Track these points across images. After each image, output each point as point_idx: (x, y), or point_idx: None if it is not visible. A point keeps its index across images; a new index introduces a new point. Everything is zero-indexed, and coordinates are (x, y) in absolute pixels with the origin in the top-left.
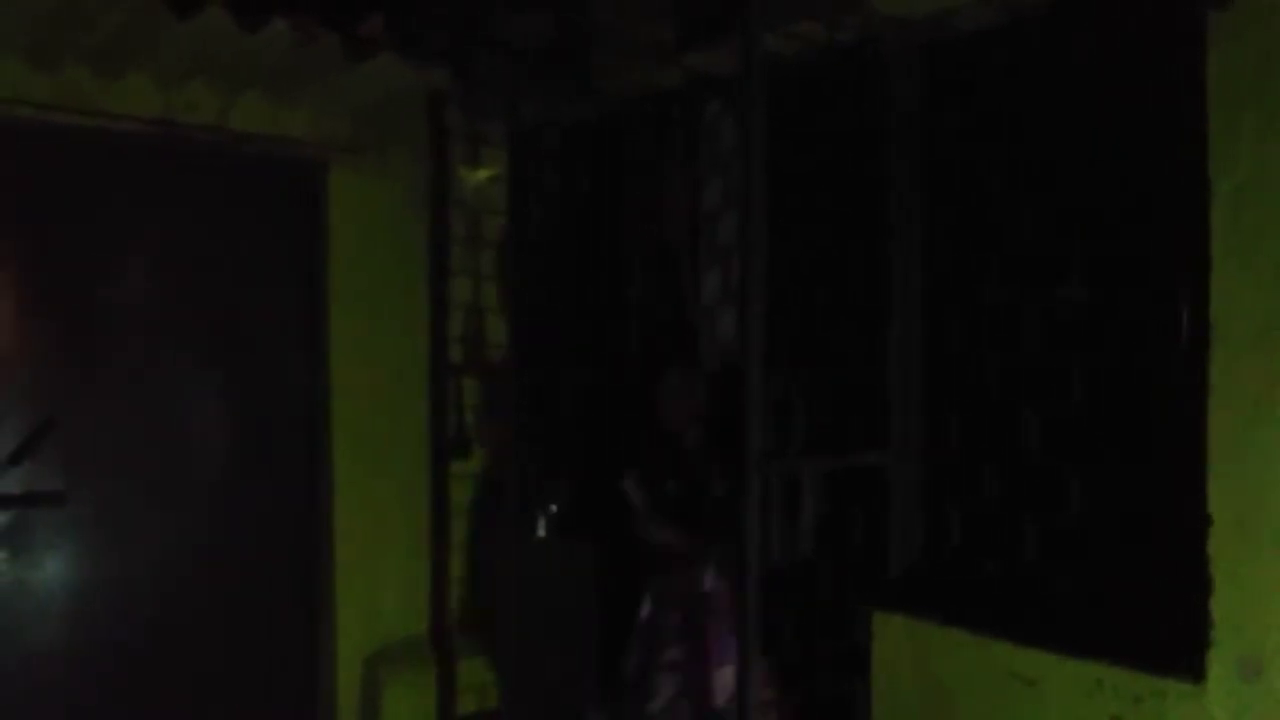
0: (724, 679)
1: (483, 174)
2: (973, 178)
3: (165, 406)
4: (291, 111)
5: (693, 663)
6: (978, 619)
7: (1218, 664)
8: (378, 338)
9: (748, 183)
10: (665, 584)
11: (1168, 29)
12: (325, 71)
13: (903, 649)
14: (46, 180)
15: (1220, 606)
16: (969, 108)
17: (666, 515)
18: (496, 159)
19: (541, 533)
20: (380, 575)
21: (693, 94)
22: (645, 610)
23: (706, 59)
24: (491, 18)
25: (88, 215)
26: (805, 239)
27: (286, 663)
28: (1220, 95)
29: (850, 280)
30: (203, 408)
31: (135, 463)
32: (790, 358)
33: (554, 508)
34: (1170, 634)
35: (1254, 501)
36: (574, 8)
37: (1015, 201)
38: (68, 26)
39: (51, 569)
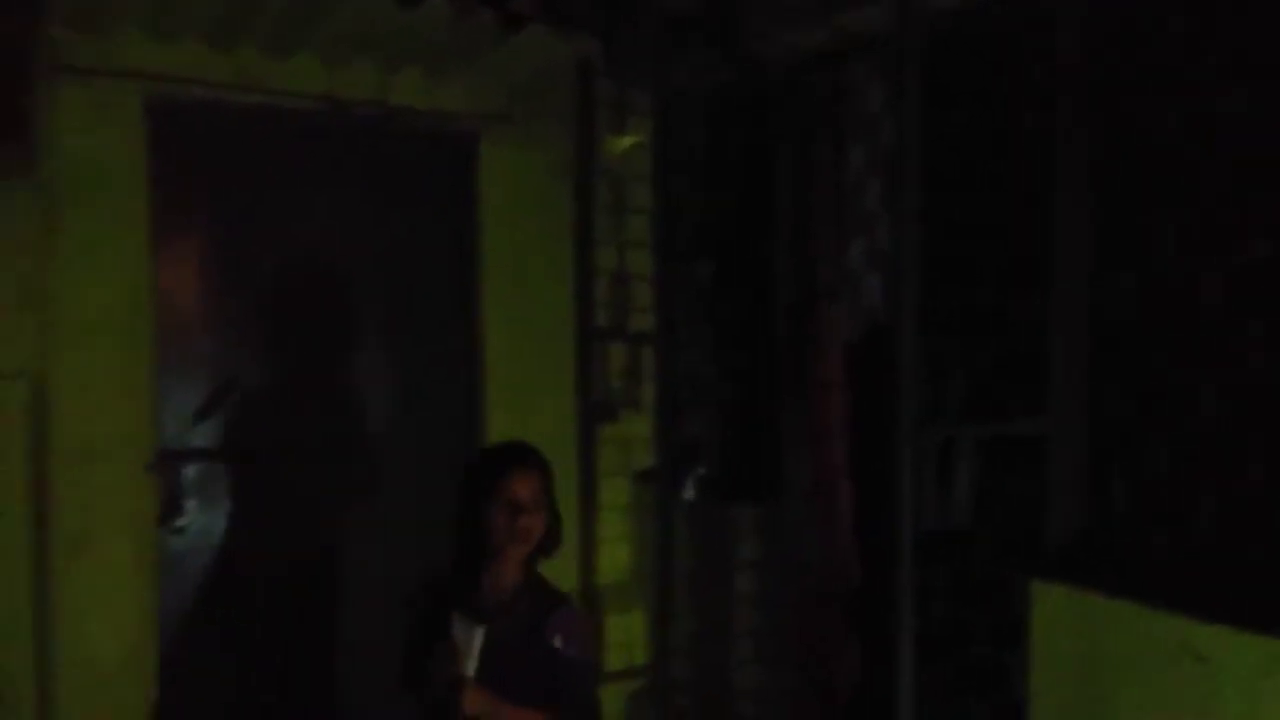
0: None
1: (628, 142)
2: (1144, 134)
3: (333, 368)
4: (446, 85)
5: None
6: (1146, 591)
7: None
8: (527, 303)
9: (902, 143)
10: None
11: None
12: (479, 45)
13: (1063, 620)
14: (226, 156)
15: None
16: (1140, 62)
17: (489, 678)
18: (643, 127)
19: (691, 495)
20: None
21: (839, 56)
22: None
23: (856, 19)
24: None
25: (263, 189)
26: (961, 201)
27: None
28: None
29: (1010, 242)
30: (366, 369)
31: (307, 420)
32: (947, 322)
33: (702, 470)
34: None
35: None
36: None
37: (1190, 159)
38: (243, 8)
39: (234, 517)
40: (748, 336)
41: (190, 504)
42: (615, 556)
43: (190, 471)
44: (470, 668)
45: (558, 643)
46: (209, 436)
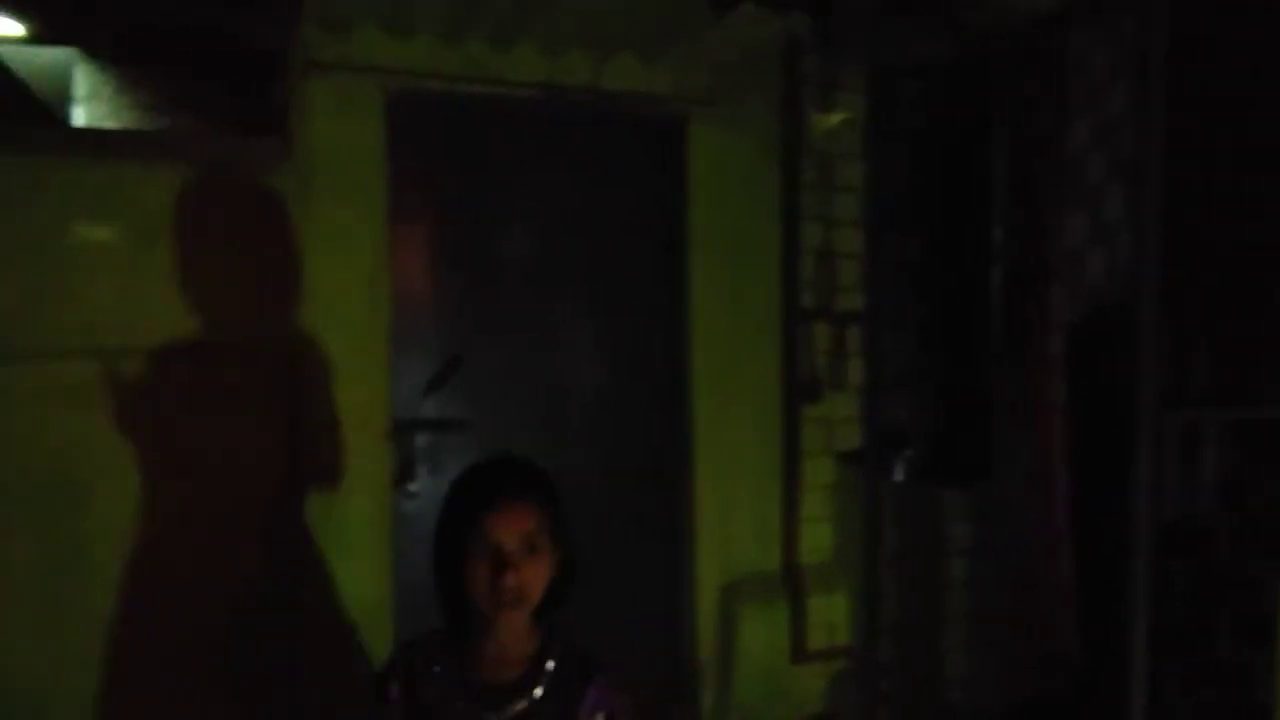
0: None
1: (836, 119)
2: None
3: (547, 347)
4: (655, 70)
5: None
6: None
7: None
8: (733, 284)
9: (1144, 108)
10: None
11: None
12: (690, 27)
13: None
14: (452, 145)
15: None
16: None
17: None
18: (850, 103)
19: (899, 476)
20: (735, 511)
21: (1062, 22)
22: None
23: None
24: None
25: (484, 176)
26: (1202, 172)
27: (652, 585)
28: None
29: (1264, 216)
30: (578, 348)
31: (523, 396)
32: (1188, 301)
33: (910, 452)
34: None
35: None
36: None
37: None
38: (472, 3)
39: None
40: (960, 315)
41: (421, 470)
42: (818, 537)
43: (421, 440)
44: None
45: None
46: (437, 409)
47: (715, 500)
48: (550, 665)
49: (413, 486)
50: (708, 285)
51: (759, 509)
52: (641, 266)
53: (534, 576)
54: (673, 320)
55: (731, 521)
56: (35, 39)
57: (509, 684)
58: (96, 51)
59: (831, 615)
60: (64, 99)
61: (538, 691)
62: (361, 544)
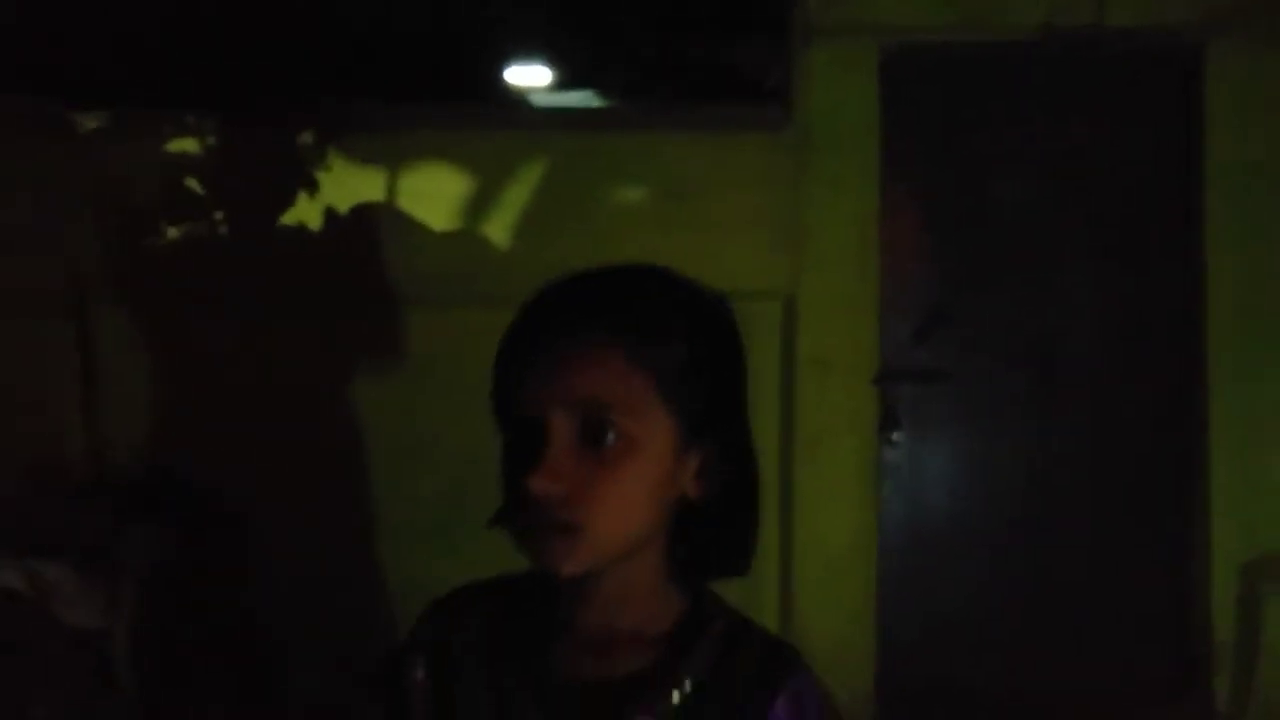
0: None
1: None
2: None
3: (1038, 299)
4: None
5: None
6: None
7: None
8: (1262, 225)
9: None
10: None
11: None
12: None
13: None
14: (942, 97)
15: None
16: None
17: None
18: None
19: None
20: (1260, 481)
21: None
22: None
23: None
24: None
25: (974, 126)
26: None
27: (1156, 561)
28: None
29: None
30: (1072, 300)
31: (1011, 350)
32: None
33: None
34: None
35: None
36: None
37: None
38: None
39: (941, 440)
40: None
41: (905, 420)
42: None
43: (905, 390)
44: None
45: None
46: (920, 360)
47: (1235, 468)
48: (703, 653)
49: (896, 436)
50: (1227, 228)
51: None
52: (1146, 211)
53: (601, 483)
54: (1182, 269)
55: (1256, 492)
56: (558, 85)
57: (625, 682)
58: (610, 90)
59: None
60: None
61: (675, 697)
62: (845, 488)
